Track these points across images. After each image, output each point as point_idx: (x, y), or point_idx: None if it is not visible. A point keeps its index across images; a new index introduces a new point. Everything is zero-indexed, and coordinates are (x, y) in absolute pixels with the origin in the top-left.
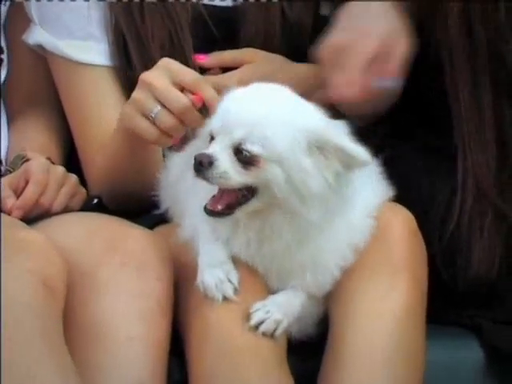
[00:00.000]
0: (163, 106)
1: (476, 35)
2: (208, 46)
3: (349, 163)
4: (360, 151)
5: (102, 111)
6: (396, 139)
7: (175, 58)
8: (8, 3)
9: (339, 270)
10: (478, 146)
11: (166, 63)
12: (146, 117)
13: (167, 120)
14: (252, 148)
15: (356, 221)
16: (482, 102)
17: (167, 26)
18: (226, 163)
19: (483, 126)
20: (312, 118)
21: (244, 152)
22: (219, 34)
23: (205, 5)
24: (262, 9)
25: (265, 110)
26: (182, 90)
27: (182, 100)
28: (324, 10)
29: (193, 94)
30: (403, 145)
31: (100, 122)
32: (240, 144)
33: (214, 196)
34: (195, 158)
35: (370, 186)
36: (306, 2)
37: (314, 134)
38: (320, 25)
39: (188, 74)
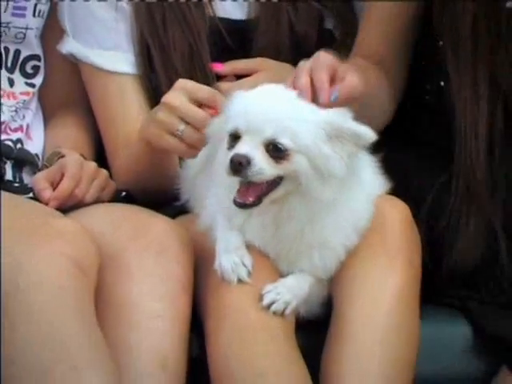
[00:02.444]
0: (187, 123)
1: (479, 36)
2: (224, 56)
3: (359, 143)
4: (366, 130)
5: (126, 114)
6: (393, 138)
7: (194, 66)
8: (45, 16)
9: (344, 250)
10: (472, 142)
11: (183, 84)
12: (173, 134)
13: (192, 135)
14: (285, 142)
15: (359, 206)
16: (479, 97)
17: (187, 37)
18: (261, 160)
19: (478, 120)
20: (329, 112)
21: (278, 146)
22: (234, 44)
23: (221, 18)
24: (273, 22)
25: (289, 107)
26: (200, 105)
27: (201, 115)
28: (328, 23)
29: (209, 107)
30: (400, 144)
31: (124, 124)
32: (273, 140)
33: (239, 189)
34: (232, 160)
35: (370, 177)
36: (312, 17)
37: (330, 124)
38: (324, 37)
39: (203, 91)
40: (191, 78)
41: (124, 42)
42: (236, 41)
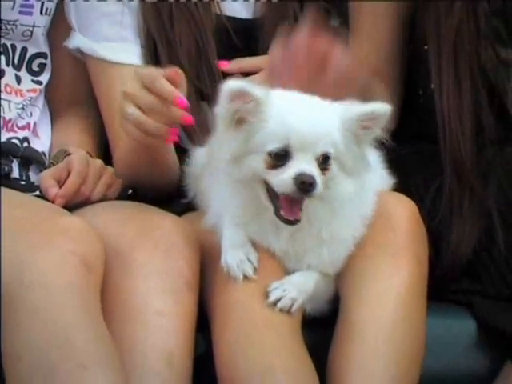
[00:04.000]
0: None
1: (461, 33)
2: (230, 54)
3: (379, 121)
4: (379, 104)
5: None
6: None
7: (200, 64)
8: (52, 14)
9: (353, 242)
10: (457, 129)
11: (135, 71)
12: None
13: (145, 121)
14: (332, 151)
15: (367, 198)
16: (461, 89)
17: (193, 34)
18: (319, 178)
19: (462, 110)
20: (343, 109)
21: (328, 157)
22: (240, 43)
23: (227, 16)
24: (278, 21)
25: (325, 115)
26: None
27: (149, 99)
28: (333, 21)
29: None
30: (401, 142)
31: None
32: (325, 154)
33: (282, 206)
34: (304, 181)
35: (377, 171)
36: (318, 14)
37: (350, 119)
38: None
39: (145, 76)
40: (197, 75)
41: (130, 35)
42: (243, 39)
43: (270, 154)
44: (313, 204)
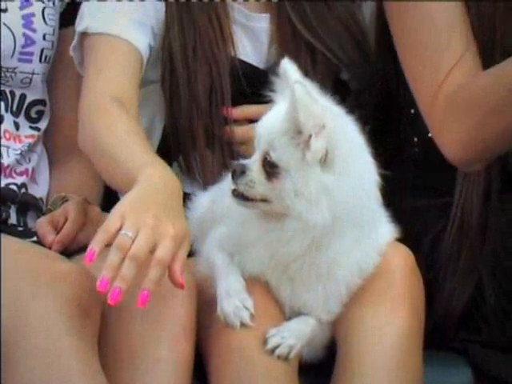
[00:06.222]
0: None
1: None
2: (238, 99)
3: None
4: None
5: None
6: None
7: (214, 104)
8: (51, 61)
9: (347, 293)
10: (472, 191)
11: None
12: None
13: None
14: (274, 156)
15: (366, 253)
16: None
17: (211, 72)
18: (254, 173)
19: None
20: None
21: (270, 162)
22: (249, 89)
23: (240, 60)
24: None
25: (272, 118)
26: None
27: None
28: (344, 75)
29: None
30: (402, 187)
31: (98, 79)
32: (265, 152)
33: None
34: (234, 170)
35: (380, 227)
36: (329, 70)
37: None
38: (338, 88)
39: None
40: (210, 116)
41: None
42: (251, 86)
43: None
44: (287, 222)
